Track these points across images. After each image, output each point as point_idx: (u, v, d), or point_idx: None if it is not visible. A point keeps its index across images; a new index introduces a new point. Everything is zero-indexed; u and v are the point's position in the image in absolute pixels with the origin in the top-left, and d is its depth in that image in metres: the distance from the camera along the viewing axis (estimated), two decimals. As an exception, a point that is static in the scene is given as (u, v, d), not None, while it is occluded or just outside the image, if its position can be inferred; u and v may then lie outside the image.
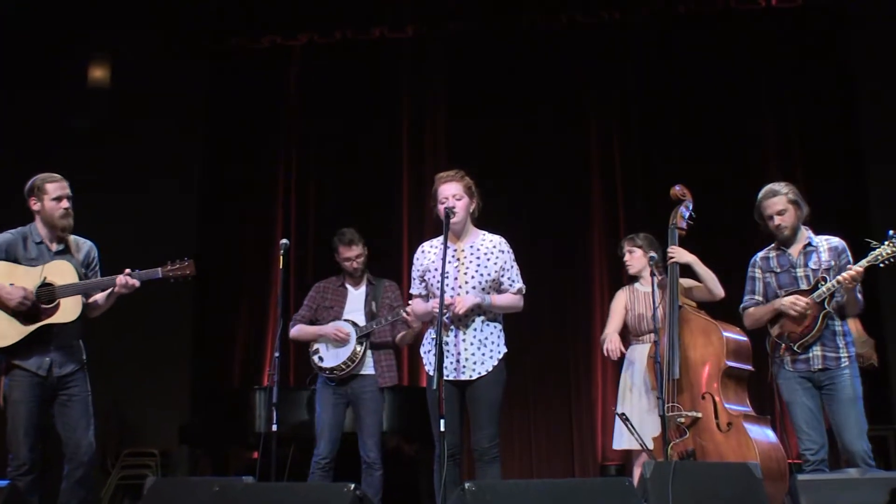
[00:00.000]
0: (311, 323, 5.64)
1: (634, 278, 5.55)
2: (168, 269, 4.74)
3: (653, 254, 5.14)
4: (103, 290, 4.71)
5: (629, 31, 8.66)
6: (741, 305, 4.93)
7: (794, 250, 4.78)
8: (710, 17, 8.50)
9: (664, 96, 8.45)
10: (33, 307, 4.52)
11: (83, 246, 4.81)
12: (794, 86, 8.31)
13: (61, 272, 4.59)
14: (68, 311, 4.57)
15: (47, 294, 4.54)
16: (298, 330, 5.67)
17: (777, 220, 4.76)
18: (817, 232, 4.85)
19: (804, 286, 4.68)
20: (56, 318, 4.55)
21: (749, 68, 8.37)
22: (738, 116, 8.35)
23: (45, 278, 4.56)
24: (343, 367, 5.38)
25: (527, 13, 8.76)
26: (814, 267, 4.70)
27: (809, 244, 4.77)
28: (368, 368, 5.46)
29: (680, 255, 5.17)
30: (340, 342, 5.41)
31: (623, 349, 5.38)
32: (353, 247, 5.58)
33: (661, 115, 8.46)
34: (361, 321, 5.50)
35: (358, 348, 5.40)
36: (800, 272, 4.74)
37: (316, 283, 5.82)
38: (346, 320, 5.51)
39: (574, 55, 8.70)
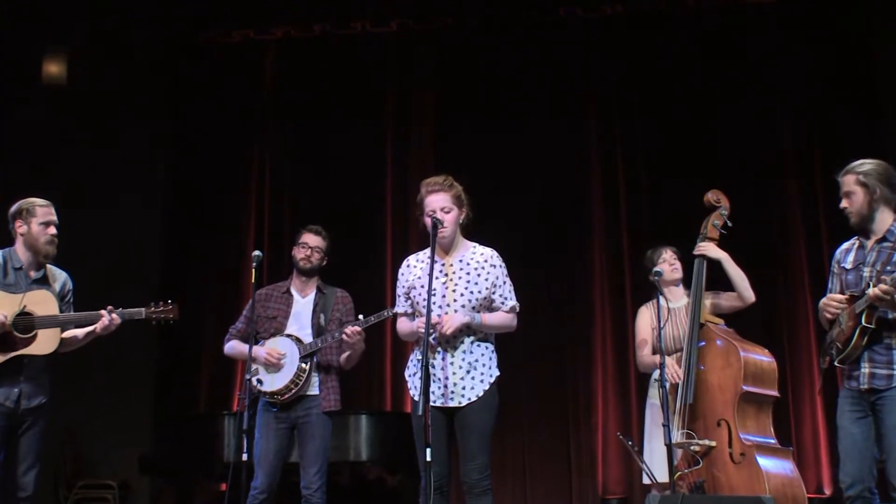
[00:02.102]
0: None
1: (648, 295, 5.52)
2: (152, 311, 4.90)
3: (657, 269, 5.14)
4: (82, 326, 4.81)
5: (633, 25, 8.69)
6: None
7: (871, 243, 4.29)
8: (720, 9, 8.54)
9: (672, 96, 8.48)
10: (8, 335, 4.58)
11: (59, 276, 4.92)
12: (811, 80, 8.32)
13: (42, 302, 4.69)
14: (45, 343, 4.67)
15: (26, 323, 4.63)
16: (232, 347, 5.44)
17: (843, 202, 4.35)
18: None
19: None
20: (32, 350, 4.64)
21: (762, 63, 8.40)
22: (751, 114, 8.37)
23: (24, 307, 4.65)
24: (286, 390, 5.17)
25: (522, 6, 8.79)
26: (878, 268, 4.17)
27: (886, 239, 4.24)
28: (314, 389, 5.24)
29: (711, 249, 5.17)
30: (275, 367, 5.19)
31: (679, 371, 5.05)
32: (318, 236, 5.42)
33: (668, 116, 8.48)
34: (307, 336, 5.29)
35: (303, 366, 5.19)
36: (866, 271, 4.22)
37: (257, 290, 5.39)
38: (288, 335, 5.30)
39: (573, 52, 8.73)
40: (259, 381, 5.20)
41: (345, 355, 5.32)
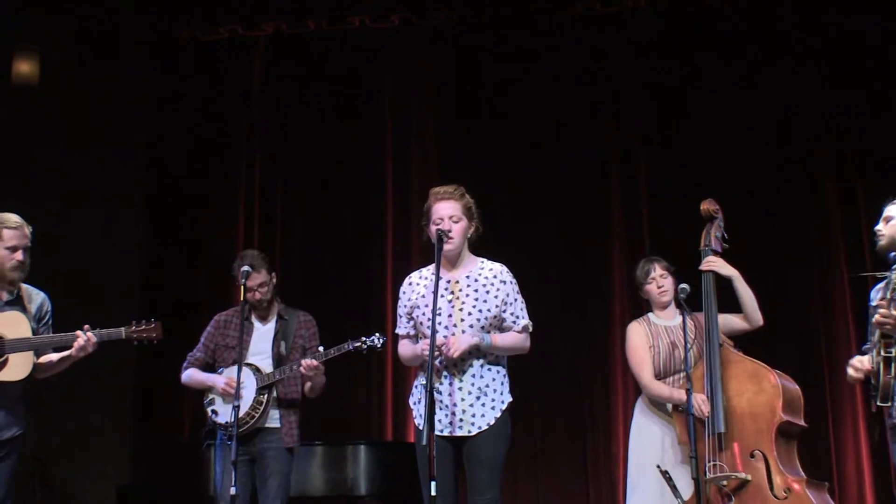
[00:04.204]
0: (208, 366, 5.52)
1: (640, 310, 5.51)
2: (132, 330, 4.91)
3: (684, 284, 5.13)
4: (58, 349, 4.81)
5: (657, 21, 8.64)
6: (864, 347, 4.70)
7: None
8: (753, 3, 8.49)
9: (699, 99, 8.42)
10: None
11: (36, 297, 4.92)
12: (853, 85, 8.22)
13: (12, 324, 4.70)
14: (17, 368, 4.67)
15: None
16: (189, 376, 5.56)
17: (879, 224, 4.56)
18: None
19: None
20: (3, 376, 4.64)
21: (801, 65, 8.35)
22: (788, 119, 8.31)
23: None
24: (241, 422, 5.18)
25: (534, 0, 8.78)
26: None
27: None
28: (274, 421, 5.33)
29: (720, 265, 5.16)
30: (233, 397, 5.16)
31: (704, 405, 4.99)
32: (255, 273, 5.37)
33: (695, 121, 8.42)
34: (267, 366, 5.35)
35: (261, 398, 5.26)
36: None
37: (216, 316, 5.63)
38: (247, 364, 5.33)
39: (591, 50, 8.71)
40: (214, 412, 5.34)
41: (307, 386, 5.41)
